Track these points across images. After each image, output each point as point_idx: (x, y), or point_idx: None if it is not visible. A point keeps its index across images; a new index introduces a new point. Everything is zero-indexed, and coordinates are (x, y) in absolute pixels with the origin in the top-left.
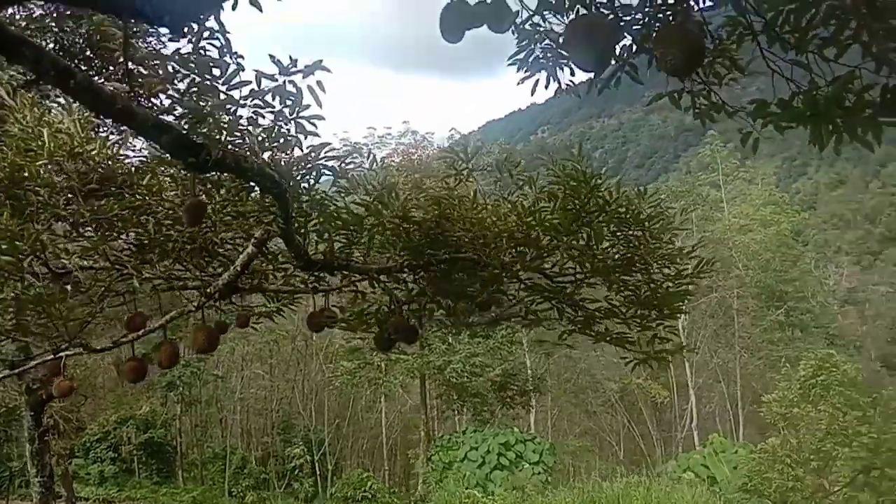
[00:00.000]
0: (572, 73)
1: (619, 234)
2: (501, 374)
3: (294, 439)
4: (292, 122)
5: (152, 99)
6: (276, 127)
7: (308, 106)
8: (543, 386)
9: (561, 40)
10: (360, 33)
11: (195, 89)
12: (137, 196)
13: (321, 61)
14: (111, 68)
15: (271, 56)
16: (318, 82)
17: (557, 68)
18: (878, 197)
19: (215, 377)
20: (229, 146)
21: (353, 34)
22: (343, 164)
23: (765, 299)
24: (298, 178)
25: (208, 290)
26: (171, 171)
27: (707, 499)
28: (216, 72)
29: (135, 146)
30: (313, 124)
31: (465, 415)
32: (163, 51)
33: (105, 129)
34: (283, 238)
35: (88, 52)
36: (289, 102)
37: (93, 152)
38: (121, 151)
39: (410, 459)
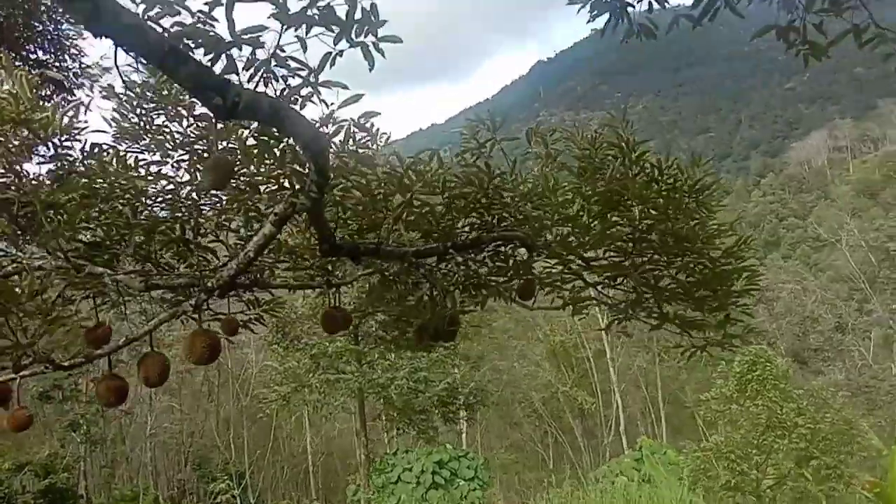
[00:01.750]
0: (649, 10)
1: (670, 207)
2: (447, 388)
3: (212, 474)
4: (357, 46)
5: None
6: (334, 55)
7: (384, 22)
8: (486, 398)
9: None
10: None
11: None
12: (103, 179)
13: None
14: None
15: None
16: (373, 4)
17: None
18: (760, 205)
19: (122, 413)
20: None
21: None
22: (367, 124)
23: None
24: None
25: (209, 285)
26: (141, 145)
27: (691, 499)
28: None
29: (87, 120)
30: (381, 52)
31: (408, 434)
32: None
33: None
34: (311, 215)
35: None
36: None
37: (43, 122)
38: (77, 122)
39: (347, 484)
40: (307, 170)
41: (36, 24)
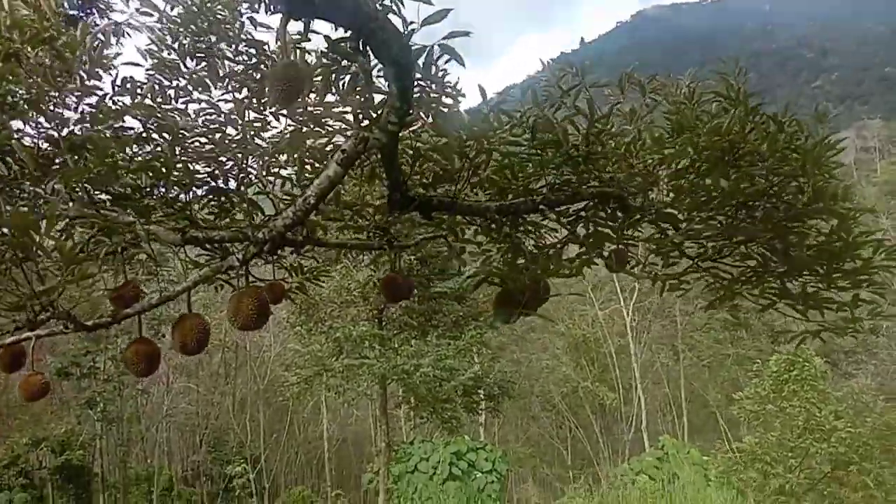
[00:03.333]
0: None
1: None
2: (473, 377)
3: (227, 456)
4: None
5: None
6: None
7: None
8: (512, 389)
9: None
10: None
11: None
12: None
13: None
14: None
15: None
16: None
17: None
18: None
19: (138, 392)
20: None
21: None
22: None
23: None
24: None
25: (260, 236)
26: (181, 77)
27: (741, 502)
28: None
29: (120, 52)
30: None
31: (428, 423)
32: None
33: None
34: (385, 154)
35: None
36: None
37: (70, 43)
38: (108, 47)
39: (365, 472)
40: (387, 96)
41: None
